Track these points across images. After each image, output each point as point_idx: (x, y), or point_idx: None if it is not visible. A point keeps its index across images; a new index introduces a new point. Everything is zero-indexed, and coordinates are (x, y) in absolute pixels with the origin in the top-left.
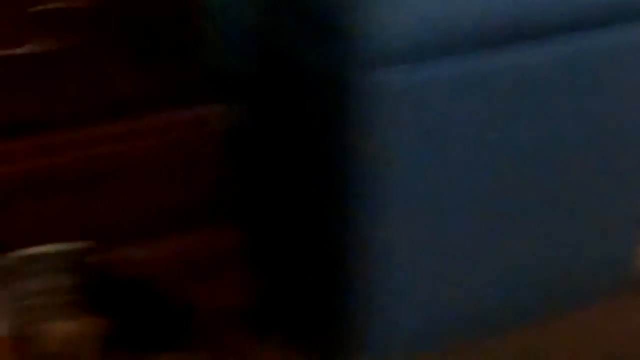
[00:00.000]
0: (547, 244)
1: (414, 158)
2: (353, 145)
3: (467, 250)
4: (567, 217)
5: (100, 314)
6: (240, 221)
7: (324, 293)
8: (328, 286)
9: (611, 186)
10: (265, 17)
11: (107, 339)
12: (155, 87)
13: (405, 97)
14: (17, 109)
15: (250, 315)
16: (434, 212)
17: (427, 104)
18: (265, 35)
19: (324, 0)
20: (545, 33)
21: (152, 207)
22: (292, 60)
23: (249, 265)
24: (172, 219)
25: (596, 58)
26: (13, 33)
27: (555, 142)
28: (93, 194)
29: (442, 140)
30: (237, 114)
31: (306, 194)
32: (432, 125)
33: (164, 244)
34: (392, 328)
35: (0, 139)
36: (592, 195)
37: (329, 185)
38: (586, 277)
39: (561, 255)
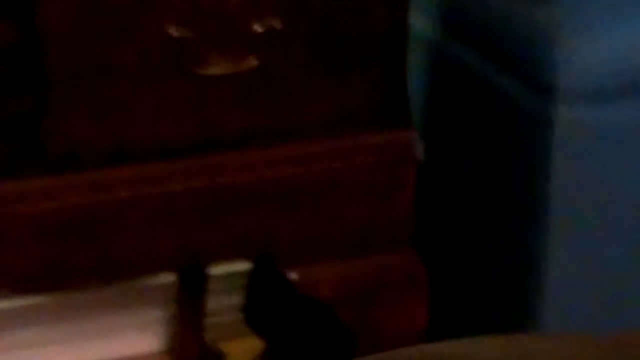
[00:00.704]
0: None
1: (588, 196)
2: (529, 179)
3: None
4: None
5: (260, 333)
6: (419, 246)
7: (495, 322)
8: (501, 315)
9: None
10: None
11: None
12: (356, 107)
13: (588, 136)
14: (226, 125)
15: (421, 340)
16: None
17: (605, 146)
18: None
19: (511, 34)
20: None
21: (334, 229)
22: (471, 85)
23: (426, 291)
24: (353, 242)
25: None
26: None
27: None
28: (279, 212)
29: (616, 184)
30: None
31: (484, 223)
32: (608, 166)
33: (343, 266)
34: None
35: (201, 154)
36: None
37: (507, 217)
38: None
39: None
